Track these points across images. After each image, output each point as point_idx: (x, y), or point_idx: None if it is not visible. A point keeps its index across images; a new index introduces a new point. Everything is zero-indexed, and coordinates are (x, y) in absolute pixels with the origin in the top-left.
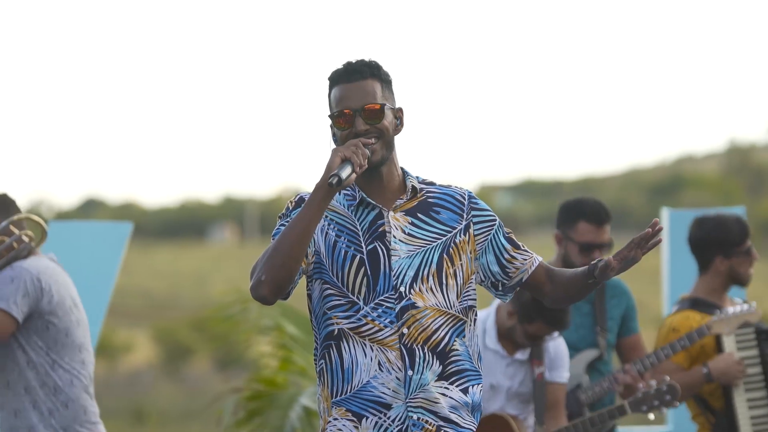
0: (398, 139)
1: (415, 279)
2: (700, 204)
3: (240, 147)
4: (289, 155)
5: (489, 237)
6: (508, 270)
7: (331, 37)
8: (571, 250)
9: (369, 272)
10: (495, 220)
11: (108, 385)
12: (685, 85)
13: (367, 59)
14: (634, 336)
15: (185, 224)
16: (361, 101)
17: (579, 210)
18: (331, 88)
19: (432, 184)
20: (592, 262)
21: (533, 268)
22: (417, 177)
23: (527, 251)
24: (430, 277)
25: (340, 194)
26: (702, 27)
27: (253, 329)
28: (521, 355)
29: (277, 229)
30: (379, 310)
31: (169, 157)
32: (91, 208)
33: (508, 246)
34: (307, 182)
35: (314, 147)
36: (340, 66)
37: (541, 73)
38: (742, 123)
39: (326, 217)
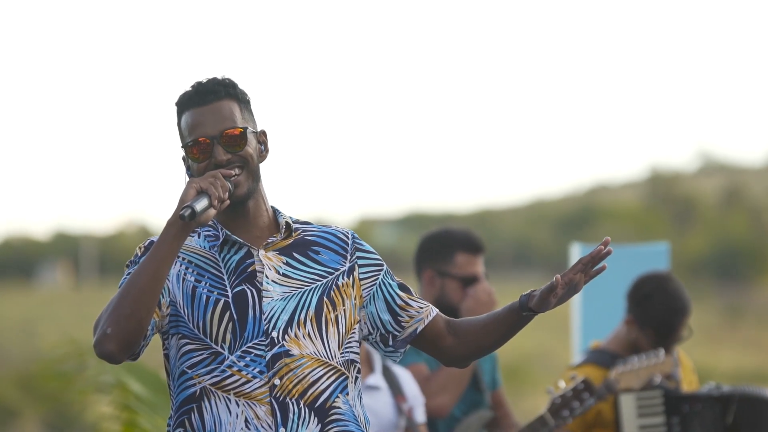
0: (264, 168)
1: (290, 323)
2: (616, 239)
3: (75, 173)
4: (133, 183)
5: (377, 281)
6: (400, 318)
7: (180, 56)
8: (451, 287)
9: (235, 316)
10: (382, 264)
11: None
12: (599, 104)
13: (219, 77)
14: (500, 390)
15: (10, 263)
16: (218, 126)
17: (453, 240)
18: (180, 114)
19: (308, 223)
20: (524, 294)
21: (430, 318)
22: (290, 217)
23: (422, 300)
24: (308, 322)
25: (199, 236)
26: (618, 38)
27: (90, 387)
28: (374, 380)
29: (124, 278)
30: (247, 359)
31: None
32: None
33: (400, 292)
34: (154, 215)
35: (163, 174)
36: (188, 88)
37: (429, 88)
38: (665, 147)
39: (183, 260)
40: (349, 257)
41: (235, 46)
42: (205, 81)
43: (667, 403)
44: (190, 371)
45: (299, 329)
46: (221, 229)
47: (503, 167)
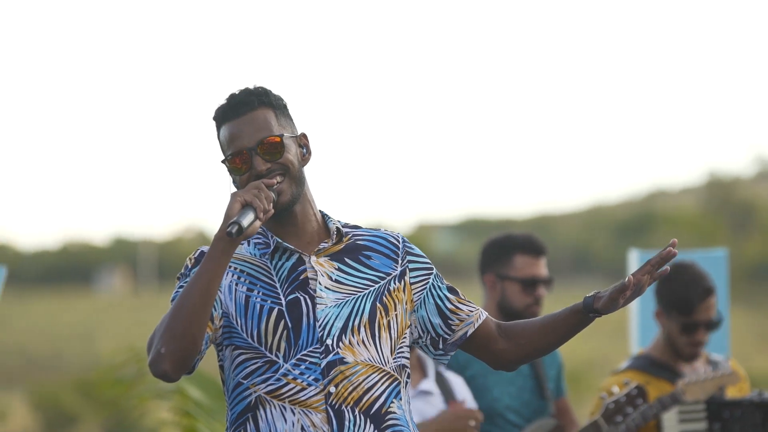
0: (322, 175)
1: (344, 330)
2: None
3: (133, 180)
4: (191, 189)
5: (427, 285)
6: (451, 322)
7: (237, 66)
8: (511, 289)
9: (290, 324)
10: (432, 267)
11: None
12: (658, 110)
13: (252, 86)
14: (565, 398)
15: (68, 269)
16: (255, 137)
17: (511, 243)
18: (218, 128)
19: (358, 227)
20: (588, 295)
21: (480, 321)
22: (339, 221)
23: (472, 303)
24: (362, 328)
25: (249, 244)
26: (675, 45)
27: (149, 393)
28: (426, 385)
29: (176, 292)
30: (302, 367)
31: (49, 190)
32: None
33: (450, 296)
34: (212, 221)
35: (220, 180)
36: (223, 101)
37: (488, 93)
38: (724, 153)
39: (234, 269)
40: (400, 261)
41: (284, 50)
42: (237, 92)
43: (709, 409)
44: (245, 381)
45: (353, 336)
46: (271, 237)
47: (562, 172)
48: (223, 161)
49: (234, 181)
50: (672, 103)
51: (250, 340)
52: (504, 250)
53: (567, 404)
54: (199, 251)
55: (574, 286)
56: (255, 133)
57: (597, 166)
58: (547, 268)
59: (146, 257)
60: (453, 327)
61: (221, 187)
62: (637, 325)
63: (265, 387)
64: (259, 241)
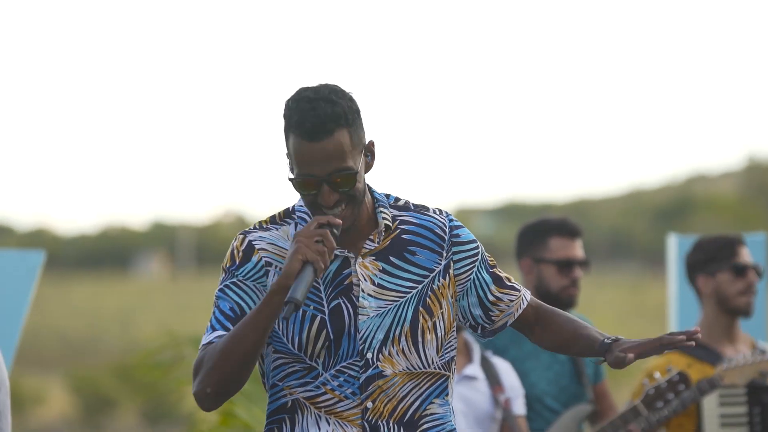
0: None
1: (384, 342)
2: (714, 229)
3: (172, 164)
4: (230, 174)
5: (471, 276)
6: (491, 313)
7: (277, 47)
8: (547, 272)
9: (332, 335)
10: (477, 253)
11: None
12: (697, 93)
13: (331, 100)
14: (603, 382)
15: (107, 254)
16: (328, 167)
17: (546, 227)
18: (288, 131)
19: (406, 207)
20: (606, 340)
21: (520, 310)
22: (388, 197)
23: (514, 288)
24: (403, 338)
25: (293, 226)
26: (715, 28)
27: (187, 378)
28: (471, 370)
29: (222, 289)
30: (341, 379)
31: (87, 175)
32: None
33: (492, 286)
34: (251, 205)
35: (259, 164)
36: (297, 105)
37: (526, 78)
38: (764, 137)
39: (278, 269)
40: (445, 254)
41: (321, 27)
42: (317, 111)
43: (750, 393)
44: (281, 383)
45: (393, 347)
46: None
47: (601, 157)
48: (290, 179)
49: (292, 170)
50: (712, 87)
51: (290, 346)
52: (539, 234)
53: (605, 389)
54: (246, 243)
55: (613, 272)
56: (328, 163)
57: (636, 151)
58: (582, 250)
59: (185, 242)
60: (493, 318)
61: (261, 172)
62: (677, 308)
63: (303, 391)
64: None
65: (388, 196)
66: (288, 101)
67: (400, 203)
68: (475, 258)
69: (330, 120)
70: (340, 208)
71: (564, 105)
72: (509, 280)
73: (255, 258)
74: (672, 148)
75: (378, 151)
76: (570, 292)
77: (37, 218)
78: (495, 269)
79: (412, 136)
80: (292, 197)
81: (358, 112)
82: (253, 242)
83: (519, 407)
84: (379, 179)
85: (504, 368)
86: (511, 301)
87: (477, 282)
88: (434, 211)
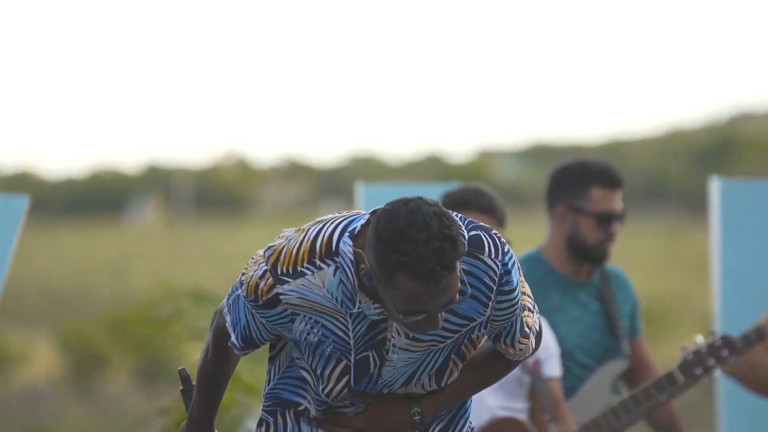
0: (378, 105)
1: (407, 383)
2: (758, 172)
3: (168, 101)
4: (231, 111)
5: (501, 325)
6: (497, 345)
7: None
8: (585, 225)
9: (353, 381)
10: (516, 306)
11: None
12: (740, 26)
13: (450, 237)
14: (640, 338)
15: (97, 198)
16: (443, 301)
17: (588, 173)
18: (400, 270)
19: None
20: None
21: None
22: None
23: (532, 332)
24: (426, 377)
25: (334, 275)
26: None
27: (186, 334)
28: None
29: (244, 303)
30: (347, 402)
31: (75, 112)
32: None
33: (517, 335)
34: (253, 147)
35: (263, 100)
36: (419, 253)
37: (554, 7)
38: None
39: (309, 319)
40: (490, 305)
41: None
42: (439, 257)
43: None
44: (298, 381)
45: (415, 386)
46: (358, 299)
47: (636, 93)
48: (399, 314)
49: (372, 280)
50: (758, 18)
51: (310, 370)
52: (579, 180)
53: (642, 344)
54: (272, 294)
55: (649, 217)
56: (445, 296)
57: (675, 87)
58: (622, 201)
59: (181, 186)
60: (497, 344)
61: (265, 109)
62: (720, 258)
63: (306, 405)
64: (347, 284)
65: None
66: (392, 238)
67: None
68: (515, 308)
69: (455, 258)
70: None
71: (596, 35)
72: (530, 326)
73: (279, 308)
74: (714, 84)
75: (393, 89)
76: (605, 247)
77: (19, 160)
78: (527, 311)
79: (429, 72)
80: (298, 140)
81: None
82: (282, 296)
83: (551, 369)
84: (396, 120)
85: None
86: (521, 350)
87: (507, 328)
88: (489, 253)
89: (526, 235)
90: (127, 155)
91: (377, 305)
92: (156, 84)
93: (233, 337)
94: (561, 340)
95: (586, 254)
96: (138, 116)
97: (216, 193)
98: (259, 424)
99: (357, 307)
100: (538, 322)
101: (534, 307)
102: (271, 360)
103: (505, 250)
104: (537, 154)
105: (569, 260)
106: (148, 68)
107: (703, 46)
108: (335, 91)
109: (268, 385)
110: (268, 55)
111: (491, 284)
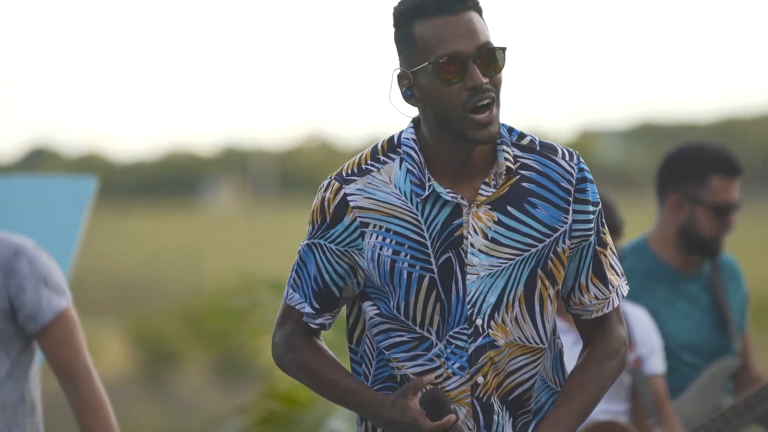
0: None
1: (497, 307)
2: None
3: (245, 78)
4: (314, 89)
5: (580, 246)
6: (571, 299)
7: None
8: (703, 216)
9: (443, 295)
10: (596, 219)
11: (65, 403)
12: None
13: None
14: (746, 334)
15: (170, 182)
16: (475, 41)
17: (709, 160)
18: (411, 21)
19: (531, 148)
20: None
21: (593, 316)
22: (511, 132)
23: (609, 284)
24: (516, 303)
25: (400, 166)
26: None
27: (265, 328)
28: None
29: (309, 245)
30: (448, 350)
31: (146, 92)
32: (38, 161)
33: (590, 267)
34: (337, 127)
35: (348, 78)
36: None
37: None
38: None
39: (379, 228)
40: (571, 211)
41: None
42: None
43: None
44: (387, 353)
45: (507, 313)
46: (427, 177)
47: (751, 67)
48: (423, 65)
49: (409, 89)
50: None
51: (396, 312)
52: (698, 167)
53: (747, 343)
54: (340, 197)
55: (765, 201)
56: (474, 37)
57: None
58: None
59: (260, 169)
60: (570, 301)
61: (349, 87)
62: None
63: (413, 366)
64: (413, 170)
65: (511, 130)
66: (403, 3)
67: (524, 142)
68: (592, 225)
69: None
70: (490, 96)
71: (703, 4)
72: (610, 268)
73: (348, 219)
74: None
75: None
76: (720, 240)
77: (88, 142)
78: (603, 249)
79: (526, 47)
80: (385, 120)
81: (482, 9)
82: (349, 197)
83: (655, 365)
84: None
85: (637, 317)
86: (597, 299)
87: (581, 255)
88: (563, 155)
89: (633, 221)
90: (202, 136)
91: (448, 189)
92: (232, 62)
93: (307, 307)
94: (668, 338)
95: (700, 247)
96: (214, 95)
97: (298, 176)
98: None
99: (428, 188)
100: (624, 287)
101: (619, 267)
102: (355, 363)
103: (581, 160)
104: (644, 133)
105: (679, 251)
106: (224, 45)
107: None
108: None
109: None
110: (353, 34)
111: (569, 187)
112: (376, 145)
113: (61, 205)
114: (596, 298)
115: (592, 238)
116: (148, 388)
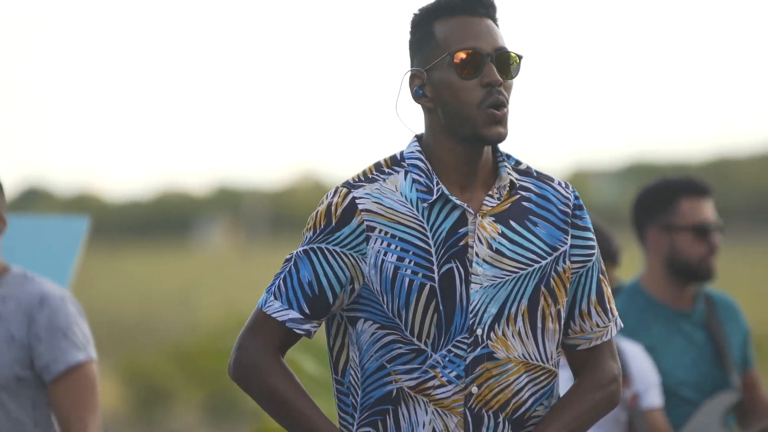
0: None
1: (498, 318)
2: None
3: (239, 119)
4: (307, 130)
5: (581, 272)
6: (571, 327)
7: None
8: (682, 241)
9: (441, 306)
10: (594, 247)
11: None
12: None
13: None
14: (753, 370)
15: (163, 222)
16: (492, 43)
17: (673, 185)
18: (431, 19)
19: (528, 173)
20: None
21: (599, 342)
22: (509, 157)
23: (609, 314)
24: (520, 317)
25: (406, 178)
26: None
27: None
28: None
29: (306, 251)
30: (447, 359)
31: (139, 132)
32: (32, 200)
33: (593, 296)
34: (332, 167)
35: (341, 118)
36: None
37: (653, 18)
38: None
39: (385, 234)
40: (569, 235)
41: None
42: None
43: None
44: (389, 366)
45: (508, 326)
46: (435, 181)
47: (744, 107)
48: (450, 54)
49: (421, 88)
50: None
51: (397, 320)
52: (666, 196)
53: (755, 378)
54: (349, 199)
55: (757, 239)
56: (493, 39)
57: None
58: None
59: (253, 209)
60: (569, 332)
61: (343, 128)
62: None
63: (409, 379)
64: (420, 179)
65: (509, 156)
66: (422, 7)
67: (522, 167)
68: (592, 253)
69: (488, 1)
70: (504, 99)
71: (699, 44)
72: (609, 301)
73: (356, 221)
74: None
75: None
76: (710, 262)
77: (81, 182)
78: (603, 277)
79: (519, 85)
80: (381, 156)
81: None
82: (358, 200)
83: (652, 399)
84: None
85: (633, 354)
86: (597, 329)
87: (582, 283)
88: (559, 183)
89: (628, 261)
90: (195, 176)
91: (455, 196)
92: (226, 103)
93: (291, 313)
94: (665, 375)
95: (690, 273)
96: (207, 136)
97: (291, 216)
98: None
99: (436, 191)
100: (620, 320)
101: (610, 292)
102: (342, 394)
103: (576, 191)
104: (637, 173)
105: (671, 286)
106: (218, 86)
107: None
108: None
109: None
110: (347, 76)
111: (566, 209)
112: (379, 161)
113: (55, 244)
114: (597, 325)
115: (593, 264)
116: (141, 426)
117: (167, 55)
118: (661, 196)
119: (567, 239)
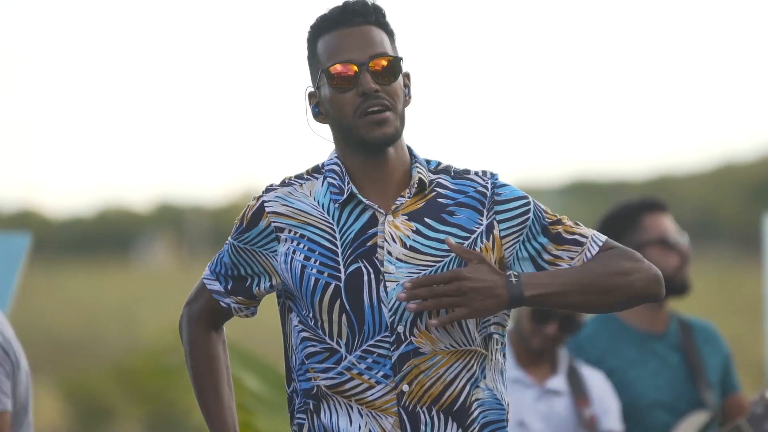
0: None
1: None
2: None
3: (180, 136)
4: (248, 147)
5: (521, 237)
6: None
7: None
8: (654, 255)
9: (347, 306)
10: (528, 210)
11: None
12: None
13: (364, 2)
14: (738, 395)
15: (104, 238)
16: (367, 51)
17: (634, 205)
18: (316, 37)
19: (446, 171)
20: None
21: (587, 255)
22: (429, 162)
23: (577, 241)
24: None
25: (322, 184)
26: None
27: None
28: (555, 383)
29: (230, 243)
30: (369, 360)
31: (82, 148)
32: None
33: (548, 245)
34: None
35: (282, 135)
36: (327, 10)
37: (596, 33)
38: None
39: (294, 234)
40: (486, 213)
41: None
42: (346, 3)
43: None
44: (307, 362)
45: (431, 318)
46: (347, 182)
47: (685, 125)
48: (319, 73)
49: (315, 107)
50: None
51: (309, 319)
52: (628, 216)
53: (742, 401)
54: (258, 204)
55: (699, 257)
56: (368, 48)
57: (727, 118)
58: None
59: (195, 226)
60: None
61: (284, 144)
62: None
63: (325, 379)
64: (334, 182)
65: (429, 161)
66: (312, 23)
67: (441, 168)
68: (526, 217)
69: (368, 8)
70: (382, 104)
71: (640, 64)
72: (571, 233)
73: (263, 223)
74: None
75: (428, 122)
76: (684, 273)
77: (22, 198)
78: (553, 226)
79: (465, 104)
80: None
81: (395, 35)
82: (266, 204)
83: (610, 422)
84: (427, 154)
85: (594, 379)
86: (572, 257)
87: (529, 243)
88: (476, 173)
89: None
90: (137, 192)
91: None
92: (167, 119)
93: (217, 285)
94: (639, 397)
95: (671, 288)
96: (148, 151)
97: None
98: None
99: (346, 191)
100: (599, 234)
101: (585, 228)
102: (290, 400)
103: (497, 176)
104: (579, 190)
105: (643, 309)
106: (158, 101)
107: (756, 74)
108: None
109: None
110: (289, 92)
111: (484, 191)
112: (301, 172)
113: None
114: (570, 257)
115: (531, 222)
116: None
117: (106, 74)
118: (625, 217)
119: (483, 219)
